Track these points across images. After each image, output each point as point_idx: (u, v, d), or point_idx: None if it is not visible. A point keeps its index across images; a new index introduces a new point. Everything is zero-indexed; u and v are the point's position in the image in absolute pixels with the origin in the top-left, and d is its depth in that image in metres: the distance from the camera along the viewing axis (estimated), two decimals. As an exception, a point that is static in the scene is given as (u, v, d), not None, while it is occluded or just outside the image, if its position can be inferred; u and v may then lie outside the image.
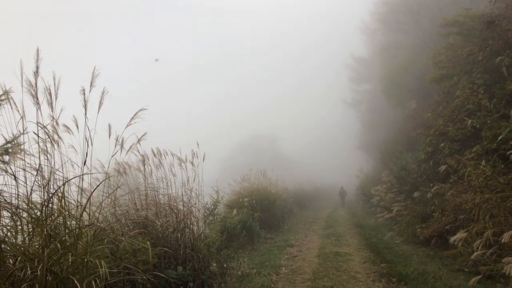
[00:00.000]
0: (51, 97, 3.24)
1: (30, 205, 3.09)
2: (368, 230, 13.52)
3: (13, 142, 4.52)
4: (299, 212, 21.45)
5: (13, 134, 3.85)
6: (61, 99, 3.58)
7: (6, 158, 3.83)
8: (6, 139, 4.07)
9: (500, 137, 7.03)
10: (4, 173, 3.44)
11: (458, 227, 7.65)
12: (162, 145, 7.10)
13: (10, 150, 4.47)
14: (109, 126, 4.20)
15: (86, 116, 3.43)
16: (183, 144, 7.52)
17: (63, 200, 3.16)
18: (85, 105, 3.38)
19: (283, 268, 8.08)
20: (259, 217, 13.38)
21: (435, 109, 12.26)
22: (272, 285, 6.74)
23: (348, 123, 41.85)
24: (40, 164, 3.31)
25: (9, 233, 3.09)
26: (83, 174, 3.50)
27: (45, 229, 2.89)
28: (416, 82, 17.49)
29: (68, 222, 3.41)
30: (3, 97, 3.98)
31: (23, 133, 3.95)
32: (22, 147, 3.42)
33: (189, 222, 6.87)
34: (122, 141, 4.36)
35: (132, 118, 3.86)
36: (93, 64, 3.55)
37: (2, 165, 3.65)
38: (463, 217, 7.44)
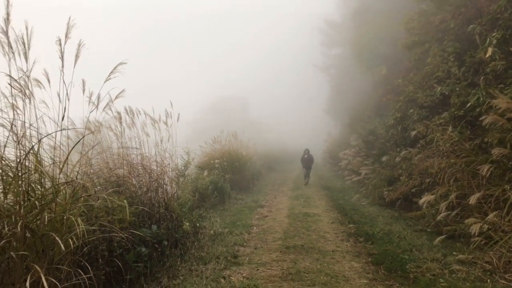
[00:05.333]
0: (25, 47, 3.03)
1: (3, 161, 2.96)
2: (336, 192, 13.94)
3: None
4: (268, 174, 21.77)
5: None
6: (31, 52, 3.36)
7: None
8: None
9: (468, 104, 7.26)
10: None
11: (423, 190, 8.00)
12: (134, 104, 6.89)
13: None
14: (83, 81, 4.01)
15: (62, 70, 3.25)
16: (154, 104, 7.33)
17: (38, 157, 3.04)
18: (62, 56, 3.18)
19: (255, 227, 8.25)
20: (230, 178, 13.51)
21: (406, 75, 12.47)
22: (245, 244, 6.89)
23: (318, 88, 42.04)
24: (14, 119, 3.14)
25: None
26: (62, 130, 3.36)
27: (22, 185, 2.79)
28: (387, 48, 17.58)
29: (42, 180, 3.30)
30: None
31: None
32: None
33: (162, 182, 6.82)
34: (98, 98, 4.19)
35: (111, 72, 3.68)
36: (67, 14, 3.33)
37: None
38: (429, 181, 7.77)
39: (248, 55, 71.90)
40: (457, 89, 8.27)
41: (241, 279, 5.04)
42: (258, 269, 5.44)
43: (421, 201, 7.48)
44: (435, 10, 11.27)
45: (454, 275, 4.99)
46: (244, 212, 10.16)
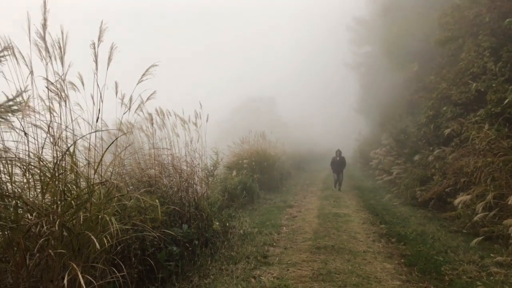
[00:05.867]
0: (61, 51, 3.14)
1: (41, 162, 3.06)
2: (366, 192, 13.72)
3: (15, 100, 4.44)
4: (297, 174, 21.67)
5: (17, 90, 3.78)
6: (66, 55, 3.47)
7: (10, 115, 3.77)
8: (7, 97, 3.98)
9: (506, 101, 6.99)
10: (11, 129, 3.38)
11: (458, 190, 7.75)
12: (160, 104, 6.98)
13: (15, 108, 4.39)
14: (116, 83, 4.11)
15: (96, 73, 3.34)
16: (178, 103, 7.41)
17: (73, 158, 3.13)
18: (96, 60, 3.28)
19: (284, 227, 8.22)
20: (259, 178, 13.53)
21: (439, 72, 12.12)
22: (274, 244, 6.87)
23: (347, 86, 41.48)
24: (51, 121, 3.25)
25: (20, 190, 3.08)
26: (96, 131, 3.45)
27: (59, 185, 2.88)
28: (419, 44, 17.13)
29: (78, 180, 3.40)
30: (5, 53, 3.87)
31: (25, 90, 3.87)
32: (30, 104, 3.34)
33: (192, 182, 6.89)
34: (131, 100, 4.29)
35: (143, 75, 3.76)
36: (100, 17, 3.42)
37: (6, 121, 3.61)
38: (464, 180, 7.52)
39: (274, 54, 71.61)
40: (494, 85, 7.96)
41: (271, 279, 5.03)
42: (288, 269, 5.41)
43: (456, 201, 7.25)
44: (470, 4, 10.88)
45: (492, 277, 4.81)
46: (273, 212, 10.15)
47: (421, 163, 11.12)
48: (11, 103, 4.35)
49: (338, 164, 15.18)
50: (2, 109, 4.20)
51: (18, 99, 4.14)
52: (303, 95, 55.18)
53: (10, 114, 3.82)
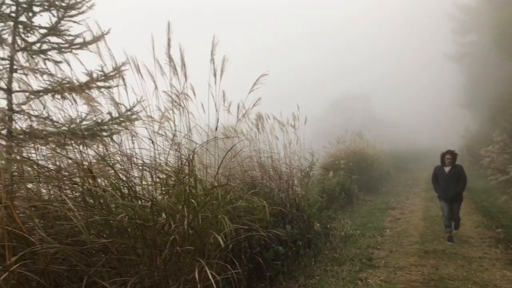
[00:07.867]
0: (184, 67, 3.48)
1: (168, 167, 3.41)
2: (478, 193, 12.63)
3: (132, 110, 4.96)
4: (397, 174, 20.72)
5: (133, 102, 4.27)
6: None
7: (132, 124, 4.25)
8: (125, 107, 4.48)
9: None
10: (136, 138, 3.79)
11: None
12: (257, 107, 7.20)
13: (133, 117, 4.92)
14: (223, 92, 4.39)
15: (215, 84, 3.64)
16: (270, 104, 7.54)
17: (193, 163, 3.43)
18: (215, 73, 3.57)
19: (387, 230, 7.97)
20: (357, 179, 13.23)
21: (563, 58, 10.74)
22: (379, 246, 6.71)
23: (448, 79, 38.49)
24: (175, 130, 3.61)
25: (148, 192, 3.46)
26: (216, 139, 3.76)
27: (186, 188, 3.18)
28: (535, 28, 15.37)
29: (197, 184, 3.70)
30: (124, 67, 4.38)
31: (140, 101, 4.32)
32: (152, 114, 3.74)
33: (291, 183, 7.02)
34: (238, 107, 4.55)
35: (254, 84, 3.99)
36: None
37: (127, 130, 4.08)
38: None
39: (367, 46, 68.54)
40: None
41: (379, 282, 4.94)
42: (396, 273, 5.26)
43: None
44: None
45: None
46: (374, 214, 9.88)
47: (543, 161, 9.94)
48: (129, 113, 4.90)
49: (450, 182, 7.07)
50: (123, 118, 4.75)
51: (135, 109, 4.65)
52: (397, 91, 52.32)
53: (129, 123, 4.31)
